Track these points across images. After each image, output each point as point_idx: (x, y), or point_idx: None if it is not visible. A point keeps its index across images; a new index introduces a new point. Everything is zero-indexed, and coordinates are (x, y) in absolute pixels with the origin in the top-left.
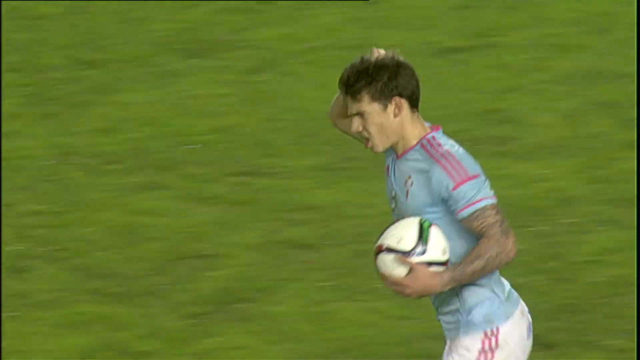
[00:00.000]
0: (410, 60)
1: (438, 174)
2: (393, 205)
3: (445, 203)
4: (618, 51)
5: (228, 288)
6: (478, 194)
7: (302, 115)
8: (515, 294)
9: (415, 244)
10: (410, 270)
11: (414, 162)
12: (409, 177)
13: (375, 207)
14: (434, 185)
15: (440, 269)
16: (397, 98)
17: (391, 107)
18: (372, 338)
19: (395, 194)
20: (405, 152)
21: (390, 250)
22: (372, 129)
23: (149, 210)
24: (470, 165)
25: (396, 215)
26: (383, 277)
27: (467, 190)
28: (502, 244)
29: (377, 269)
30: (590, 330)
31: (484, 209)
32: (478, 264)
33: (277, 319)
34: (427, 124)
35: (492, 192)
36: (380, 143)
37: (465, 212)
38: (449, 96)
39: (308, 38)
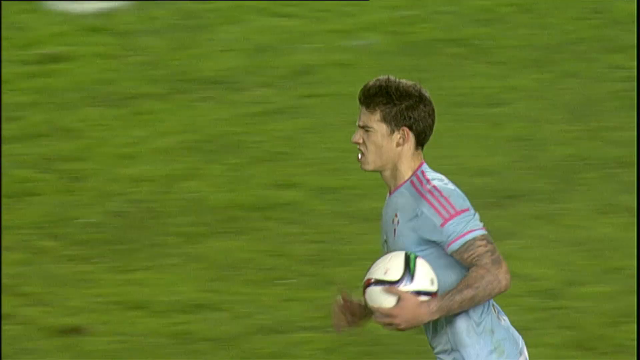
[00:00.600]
0: None
1: (426, 211)
2: (385, 249)
3: (435, 240)
4: None
5: None
6: (466, 227)
7: None
8: (519, 340)
9: (403, 274)
10: (398, 300)
11: (402, 199)
12: (395, 215)
13: None
14: (422, 222)
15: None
16: (406, 129)
17: (397, 135)
18: None
19: (387, 236)
20: (397, 187)
21: (378, 282)
22: (371, 147)
23: None
24: (458, 200)
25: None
26: (373, 312)
27: (455, 225)
28: (493, 274)
29: (367, 304)
30: None
31: (473, 240)
32: (467, 293)
33: None
34: None
35: (481, 224)
36: (372, 162)
37: (455, 245)
38: None
39: None
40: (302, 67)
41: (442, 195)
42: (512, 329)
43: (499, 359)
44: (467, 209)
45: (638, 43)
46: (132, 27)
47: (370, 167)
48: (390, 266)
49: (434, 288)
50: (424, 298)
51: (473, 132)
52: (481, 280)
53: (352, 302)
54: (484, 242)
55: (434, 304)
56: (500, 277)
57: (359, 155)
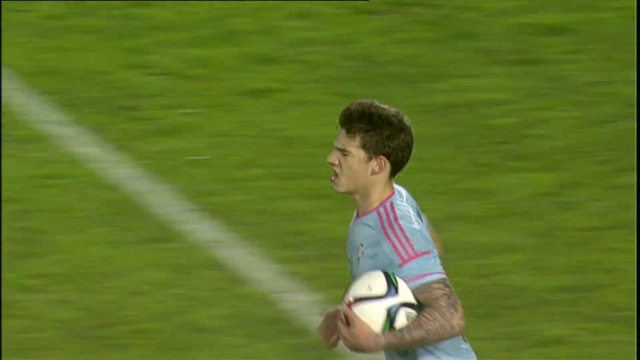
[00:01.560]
0: None
1: (387, 250)
2: (349, 267)
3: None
4: None
5: None
6: (425, 269)
7: None
8: None
9: (388, 288)
10: (350, 324)
11: (368, 231)
12: (361, 245)
13: None
14: (383, 259)
15: (413, 312)
16: (384, 158)
17: (374, 162)
18: None
19: (351, 257)
20: (365, 214)
21: (364, 299)
22: (346, 171)
23: None
24: (420, 241)
25: (352, 276)
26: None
27: (413, 267)
28: (446, 318)
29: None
30: None
31: (430, 283)
32: (418, 333)
33: None
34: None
35: (440, 268)
36: (344, 186)
37: (411, 286)
38: None
39: None
40: None
41: (404, 235)
42: (472, 353)
43: None
44: (428, 252)
45: (638, 44)
46: None
47: (342, 189)
48: (372, 282)
49: (415, 302)
50: (408, 310)
51: None
52: (434, 322)
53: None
54: (440, 286)
55: (382, 340)
56: (453, 322)
57: (332, 176)
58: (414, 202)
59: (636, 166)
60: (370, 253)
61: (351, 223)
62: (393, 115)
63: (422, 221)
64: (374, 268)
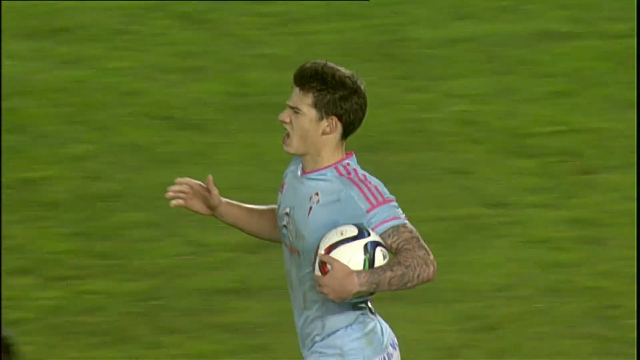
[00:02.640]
0: None
1: (354, 195)
2: (284, 222)
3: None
4: None
5: None
6: (392, 214)
7: None
8: (385, 338)
9: (359, 230)
10: (330, 269)
11: (324, 183)
12: (316, 194)
13: None
14: (344, 206)
15: (387, 252)
16: (335, 118)
17: (325, 123)
18: None
19: (290, 211)
20: (315, 170)
21: (339, 243)
22: (297, 131)
23: None
24: (385, 191)
25: (289, 232)
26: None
27: (382, 212)
28: (421, 257)
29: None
30: None
31: (397, 227)
32: (398, 270)
33: None
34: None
35: (404, 216)
36: (295, 146)
37: (380, 229)
38: None
39: None
40: None
41: (371, 184)
42: (384, 324)
43: (367, 347)
44: (393, 200)
45: (638, 46)
46: None
47: (292, 150)
48: (343, 229)
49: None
50: (384, 250)
51: None
52: (412, 260)
53: (211, 192)
54: (409, 229)
55: (364, 276)
56: (428, 262)
57: (285, 136)
58: None
59: (636, 165)
60: (328, 200)
61: (287, 183)
62: (347, 77)
63: None
64: (329, 216)
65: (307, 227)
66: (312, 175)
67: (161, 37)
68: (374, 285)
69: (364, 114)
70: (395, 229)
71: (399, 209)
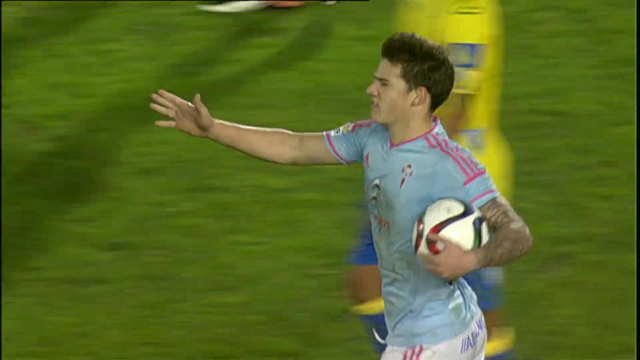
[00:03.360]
0: None
1: (451, 167)
2: (374, 193)
3: (449, 197)
4: None
5: None
6: (488, 187)
7: None
8: (469, 314)
9: (464, 207)
10: (443, 249)
11: (416, 154)
12: (409, 166)
13: None
14: (442, 178)
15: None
16: (424, 89)
17: (414, 94)
18: None
19: (380, 182)
20: (405, 142)
21: (448, 221)
22: (386, 101)
23: None
24: (478, 162)
25: (379, 204)
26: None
27: (479, 184)
28: (521, 229)
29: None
30: None
31: (495, 199)
32: (507, 245)
33: None
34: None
35: (495, 187)
36: (384, 116)
37: (479, 202)
38: None
39: None
40: None
41: (465, 155)
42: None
43: (455, 321)
44: (485, 171)
45: (638, 47)
46: None
47: (381, 120)
48: (449, 205)
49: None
50: (486, 225)
51: None
52: (516, 234)
53: (200, 112)
54: (503, 202)
55: (480, 253)
56: (527, 234)
57: (372, 106)
58: None
59: (636, 162)
60: (422, 172)
61: (373, 155)
62: (435, 48)
63: None
64: (424, 188)
65: (399, 199)
66: (403, 147)
67: None
68: (487, 262)
69: (452, 85)
70: (493, 201)
71: (491, 179)
